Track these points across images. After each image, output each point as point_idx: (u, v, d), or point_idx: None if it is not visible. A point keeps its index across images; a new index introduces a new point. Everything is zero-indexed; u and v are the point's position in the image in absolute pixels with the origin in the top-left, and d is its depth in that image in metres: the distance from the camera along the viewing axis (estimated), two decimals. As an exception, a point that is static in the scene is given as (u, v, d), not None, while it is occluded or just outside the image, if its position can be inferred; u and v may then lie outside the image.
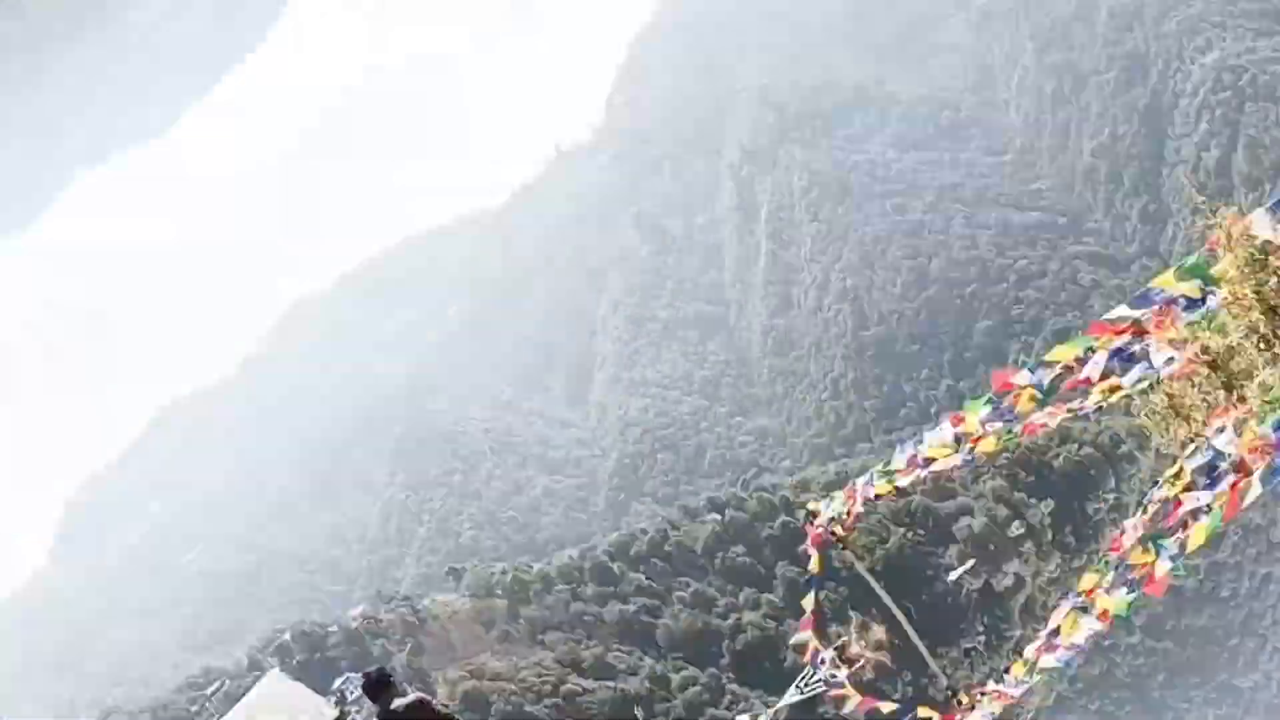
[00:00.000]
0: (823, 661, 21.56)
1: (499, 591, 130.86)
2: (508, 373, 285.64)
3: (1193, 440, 8.08)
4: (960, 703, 13.73)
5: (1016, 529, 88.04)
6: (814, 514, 16.03)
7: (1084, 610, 10.36)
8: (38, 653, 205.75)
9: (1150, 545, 8.86)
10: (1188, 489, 8.31)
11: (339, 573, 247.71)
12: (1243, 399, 7.08)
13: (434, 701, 8.03)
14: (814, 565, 16.48)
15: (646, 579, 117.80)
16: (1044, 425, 9.34)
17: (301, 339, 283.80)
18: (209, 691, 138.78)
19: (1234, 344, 6.96)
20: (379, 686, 7.90)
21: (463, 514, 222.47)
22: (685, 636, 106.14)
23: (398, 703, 7.76)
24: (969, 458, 10.39)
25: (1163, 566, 8.78)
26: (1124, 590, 9.73)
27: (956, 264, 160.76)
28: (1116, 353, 7.51)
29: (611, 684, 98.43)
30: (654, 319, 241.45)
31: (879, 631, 38.99)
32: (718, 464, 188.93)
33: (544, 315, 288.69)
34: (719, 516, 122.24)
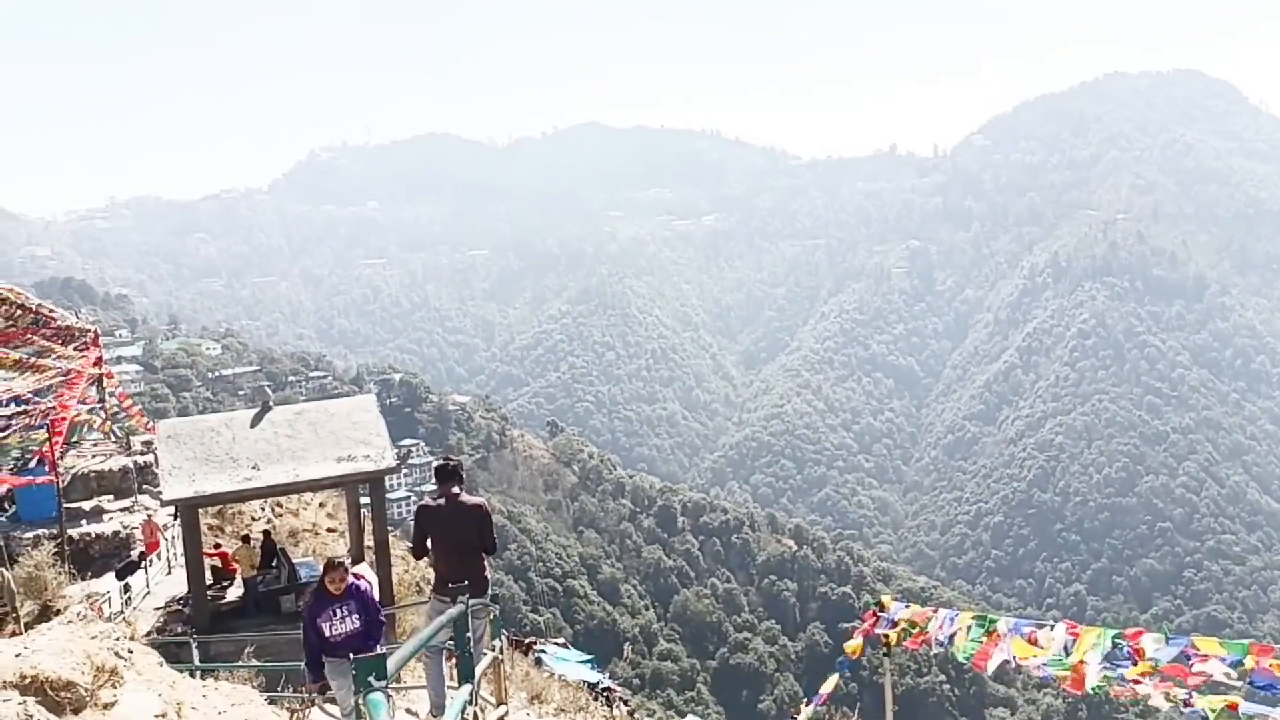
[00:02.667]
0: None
1: (575, 468, 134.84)
2: (729, 299, 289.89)
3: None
4: None
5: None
6: (882, 605, 15.61)
7: None
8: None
9: None
10: None
11: (473, 359, 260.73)
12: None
13: (490, 514, 8.38)
14: (852, 647, 16.07)
15: (698, 549, 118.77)
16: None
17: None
18: (310, 375, 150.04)
19: None
20: (451, 476, 8.21)
21: (593, 384, 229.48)
22: (692, 616, 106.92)
23: (466, 498, 8.17)
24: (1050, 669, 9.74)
25: None
26: None
27: None
28: None
29: (608, 611, 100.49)
30: (864, 344, 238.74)
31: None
32: (826, 504, 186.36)
33: (786, 272, 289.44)
34: (793, 545, 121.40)
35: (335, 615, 7.56)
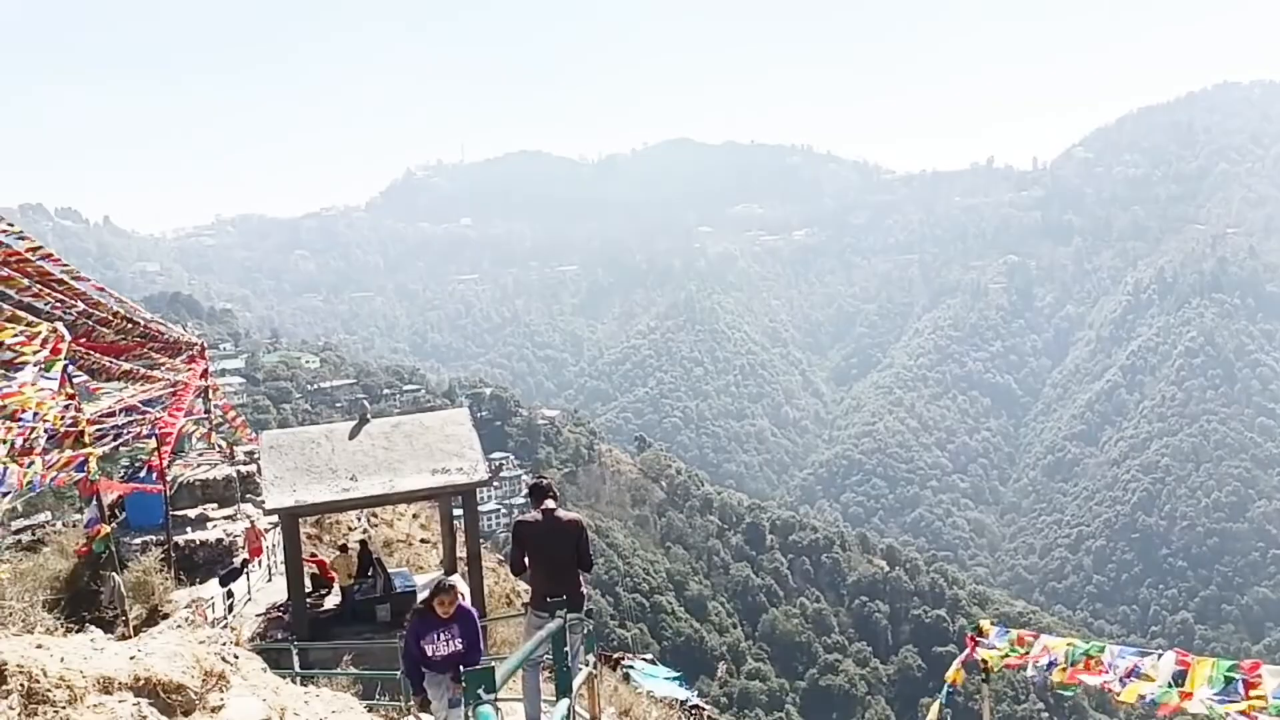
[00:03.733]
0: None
1: (663, 483, 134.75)
2: (819, 315, 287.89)
3: None
4: None
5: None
6: (981, 631, 15.22)
7: None
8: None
9: None
10: None
11: (562, 374, 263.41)
12: None
13: (586, 531, 8.41)
14: (954, 675, 15.73)
15: (787, 567, 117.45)
16: None
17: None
18: (404, 388, 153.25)
19: None
20: (545, 493, 8.31)
21: (681, 399, 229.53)
22: (781, 636, 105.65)
23: (563, 514, 8.23)
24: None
25: None
26: None
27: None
28: None
29: (696, 628, 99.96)
30: (960, 361, 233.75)
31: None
32: (919, 525, 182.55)
33: (878, 288, 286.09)
34: (885, 566, 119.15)
35: (439, 638, 7.64)
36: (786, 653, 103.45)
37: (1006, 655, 14.85)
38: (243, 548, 23.44)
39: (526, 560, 8.25)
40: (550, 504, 8.19)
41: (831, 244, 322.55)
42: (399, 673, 8.24)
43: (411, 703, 8.26)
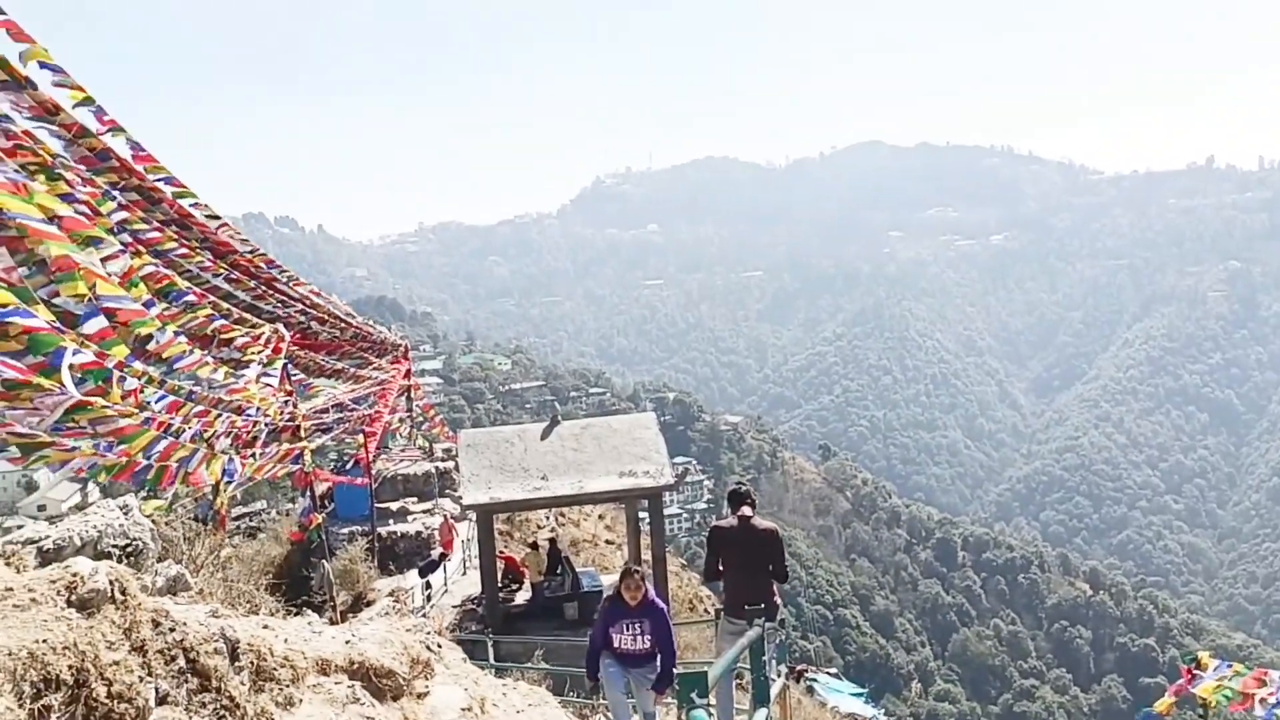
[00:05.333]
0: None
1: (848, 494, 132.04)
2: (1018, 323, 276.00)
3: None
4: None
5: None
6: (1199, 663, 14.18)
7: None
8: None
9: None
10: None
11: (746, 380, 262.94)
12: None
13: (782, 541, 8.29)
14: (1163, 705, 14.67)
15: (980, 586, 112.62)
16: None
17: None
18: (591, 391, 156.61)
19: None
20: (743, 499, 8.23)
21: (868, 408, 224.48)
22: (973, 657, 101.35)
23: (758, 523, 8.12)
24: None
25: None
26: None
27: None
28: None
29: (881, 644, 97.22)
30: (1174, 374, 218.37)
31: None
32: (1126, 547, 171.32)
33: (1084, 295, 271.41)
34: (1088, 589, 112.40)
35: (627, 630, 7.46)
36: (979, 675, 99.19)
37: (1229, 693, 13.67)
38: (438, 541, 24.49)
39: (720, 566, 8.20)
40: (747, 511, 8.11)
41: (1032, 248, 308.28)
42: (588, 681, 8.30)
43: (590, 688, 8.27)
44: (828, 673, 23.72)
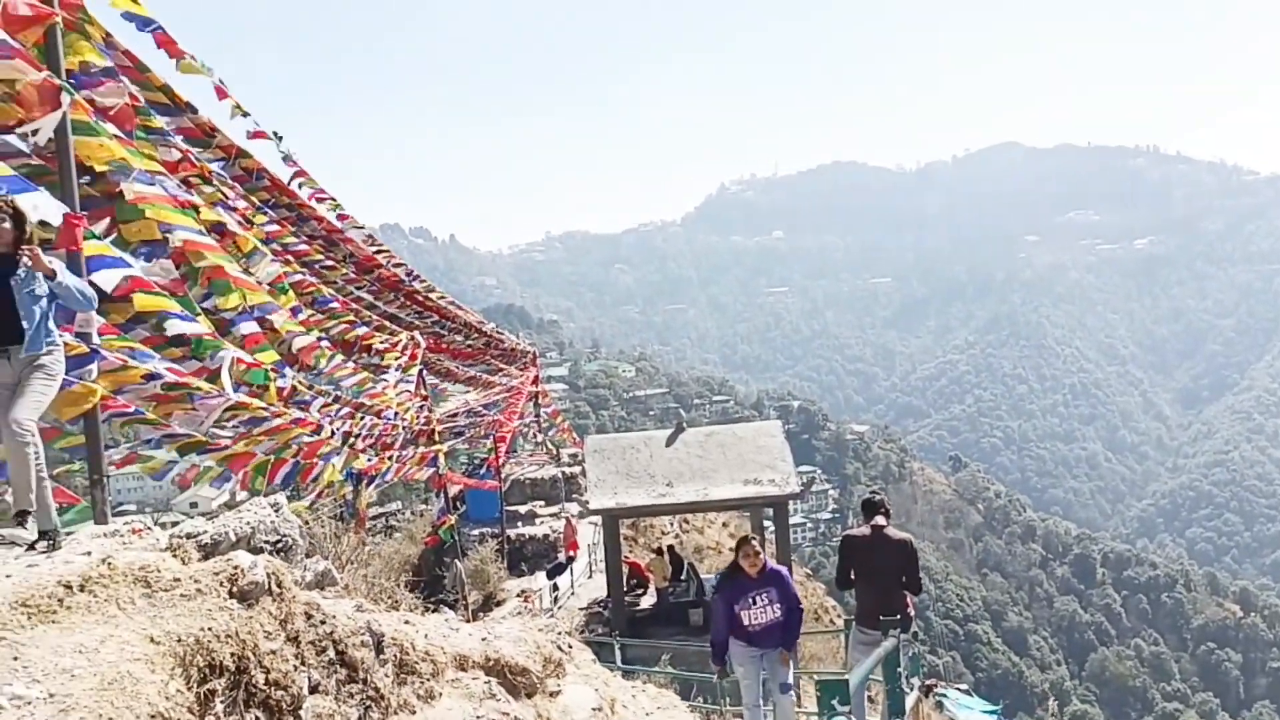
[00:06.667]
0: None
1: (980, 506, 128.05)
2: (1164, 331, 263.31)
3: None
4: None
5: None
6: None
7: None
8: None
9: None
10: None
11: (872, 388, 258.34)
12: None
13: (916, 552, 8.10)
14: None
15: (1120, 605, 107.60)
16: None
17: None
18: (714, 398, 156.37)
19: None
20: (877, 509, 8.10)
21: (1001, 418, 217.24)
22: (1112, 678, 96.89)
23: (892, 532, 7.95)
24: None
25: None
26: None
27: None
28: None
29: (1014, 661, 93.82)
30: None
31: None
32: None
33: (1236, 301, 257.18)
34: (1238, 611, 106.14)
35: (755, 603, 7.13)
36: (1118, 696, 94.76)
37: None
38: (563, 542, 24.90)
39: (852, 575, 8.09)
40: (880, 520, 7.98)
41: (1180, 253, 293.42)
42: (714, 676, 8.15)
43: (719, 676, 7.93)
44: (958, 689, 23.00)
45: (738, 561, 7.29)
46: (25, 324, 4.33)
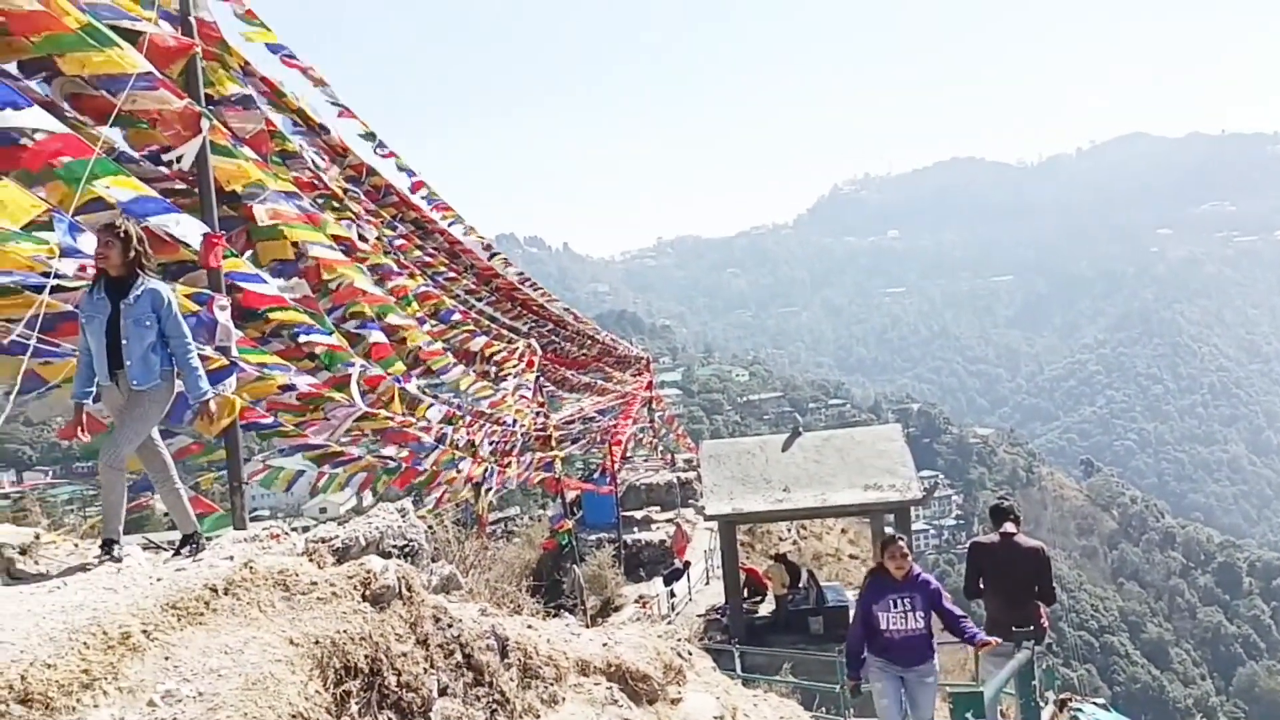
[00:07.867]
0: None
1: (1114, 512, 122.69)
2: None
3: None
4: None
5: None
6: None
7: None
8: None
9: None
10: None
11: (996, 390, 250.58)
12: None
13: (1050, 561, 7.79)
14: None
15: (1269, 617, 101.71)
16: None
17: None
18: (830, 402, 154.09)
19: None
20: (1006, 515, 7.85)
21: (1135, 420, 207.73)
22: (1263, 694, 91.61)
23: (1023, 540, 7.66)
24: None
25: None
26: None
27: None
28: None
29: (1154, 675, 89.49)
30: None
31: None
32: None
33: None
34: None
35: (896, 606, 6.64)
36: (1270, 713, 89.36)
37: None
38: (674, 547, 24.89)
39: (981, 584, 7.85)
40: (1010, 527, 7.71)
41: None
42: (837, 687, 7.99)
43: (850, 690, 7.38)
44: (1094, 703, 22.06)
45: (882, 562, 6.84)
46: (126, 352, 4.25)
